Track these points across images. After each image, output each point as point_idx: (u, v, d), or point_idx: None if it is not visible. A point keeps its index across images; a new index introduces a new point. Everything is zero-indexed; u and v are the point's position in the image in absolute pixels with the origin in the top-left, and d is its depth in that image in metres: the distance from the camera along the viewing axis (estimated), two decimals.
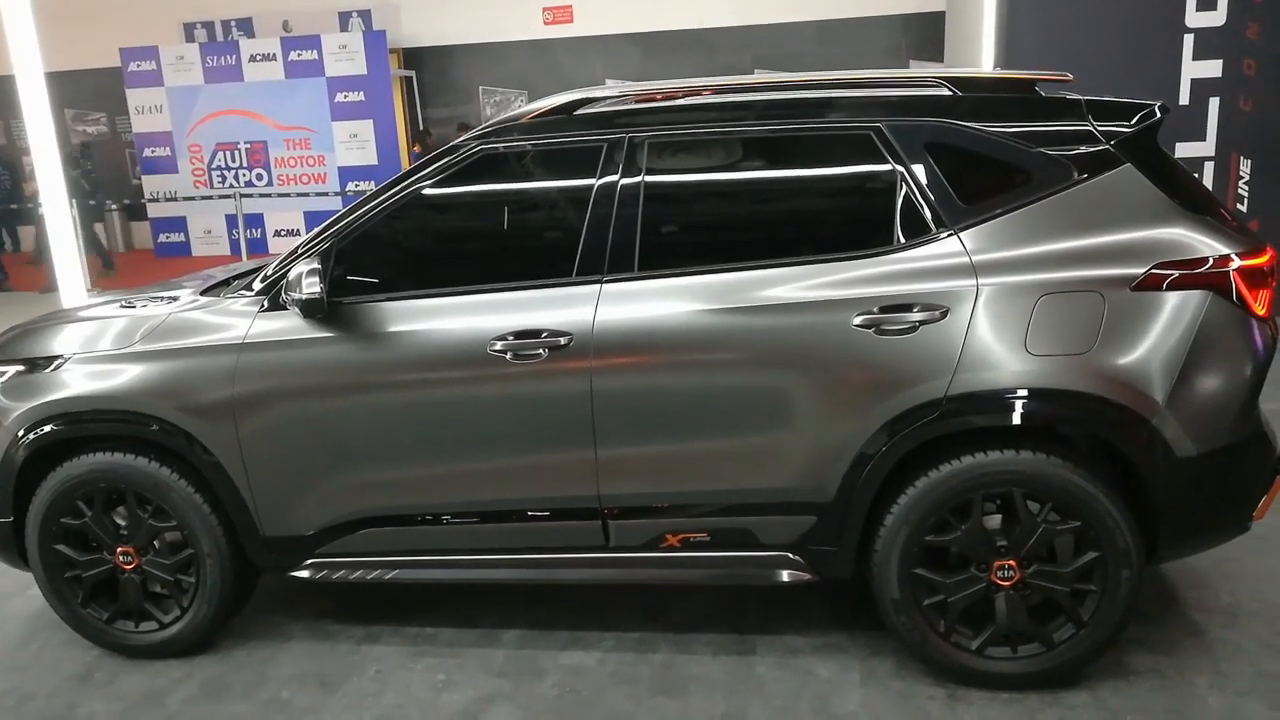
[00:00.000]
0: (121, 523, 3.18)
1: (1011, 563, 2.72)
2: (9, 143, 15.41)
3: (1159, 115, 2.78)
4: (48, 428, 3.09)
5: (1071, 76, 2.99)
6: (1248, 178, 7.08)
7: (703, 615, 3.34)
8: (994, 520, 2.76)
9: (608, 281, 2.84)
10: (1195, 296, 2.59)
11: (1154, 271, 2.59)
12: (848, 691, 2.88)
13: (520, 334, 2.83)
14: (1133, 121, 2.76)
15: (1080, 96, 2.82)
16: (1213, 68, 6.97)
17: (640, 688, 2.96)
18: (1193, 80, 7.01)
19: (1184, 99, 7.02)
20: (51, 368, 3.14)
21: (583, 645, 3.20)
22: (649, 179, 2.90)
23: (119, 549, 3.17)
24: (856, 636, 3.15)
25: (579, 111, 3.01)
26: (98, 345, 3.15)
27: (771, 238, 2.99)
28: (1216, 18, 6.90)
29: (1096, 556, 2.67)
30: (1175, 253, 2.61)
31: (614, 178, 2.90)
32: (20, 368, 3.20)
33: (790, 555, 2.88)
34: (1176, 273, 2.59)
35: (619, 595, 3.47)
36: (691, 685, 2.96)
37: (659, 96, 3.07)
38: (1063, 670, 2.78)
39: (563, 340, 2.80)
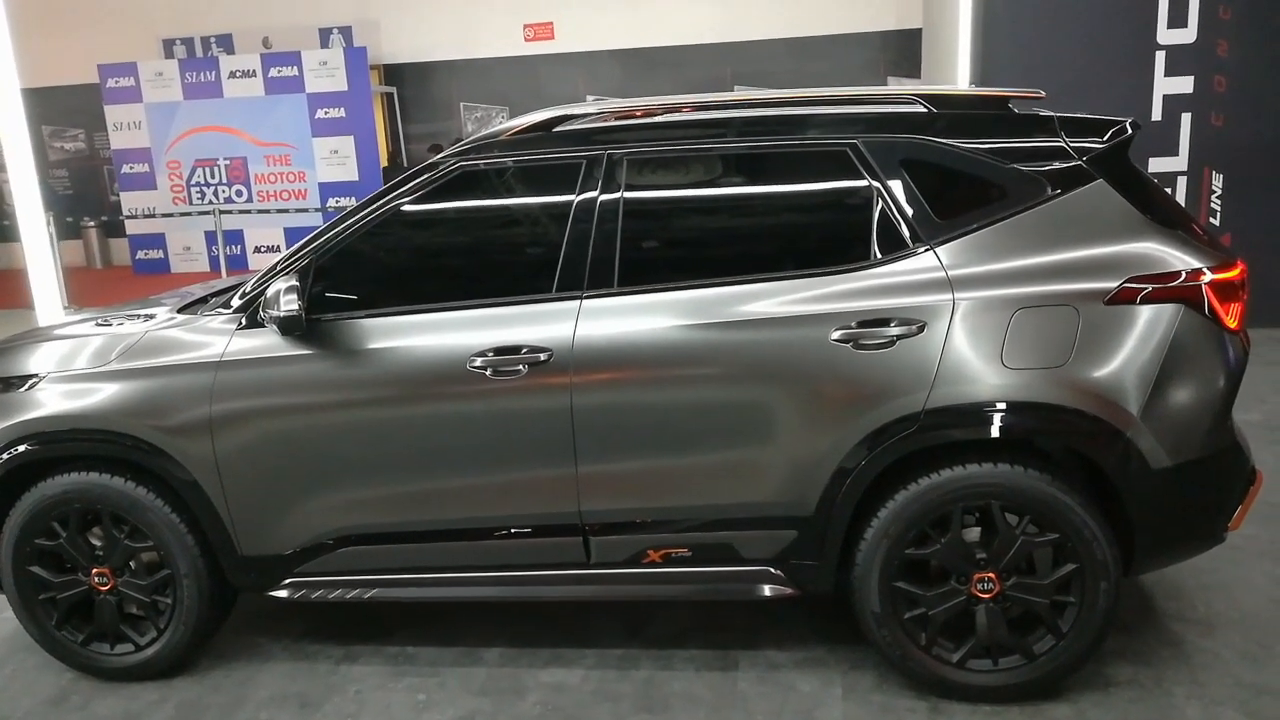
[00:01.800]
0: (97, 543, 3.14)
1: (991, 575, 2.73)
2: None
3: (1131, 131, 2.83)
4: (22, 447, 3.06)
5: (1045, 94, 3.03)
6: (1220, 192, 7.19)
7: (685, 631, 3.34)
8: (973, 533, 2.78)
9: (587, 297, 2.85)
10: (1168, 310, 2.63)
11: (1127, 285, 2.63)
12: (830, 706, 2.88)
13: (500, 350, 2.83)
14: (1105, 137, 2.80)
15: (1053, 113, 2.86)
16: (1184, 84, 7.09)
17: (623, 705, 2.95)
18: (1165, 96, 7.12)
19: (1156, 115, 7.14)
20: (26, 387, 3.11)
21: (564, 663, 3.18)
22: (628, 195, 2.92)
23: (94, 570, 3.13)
24: (838, 650, 3.15)
25: (559, 128, 3.02)
26: (73, 364, 3.12)
27: (750, 253, 3.00)
28: (1187, 35, 7.02)
29: (1075, 568, 2.69)
30: (1148, 267, 2.65)
31: (593, 194, 2.91)
32: None
33: (771, 570, 2.89)
34: (1150, 286, 2.63)
35: (601, 612, 3.46)
36: (674, 702, 2.95)
37: (638, 113, 3.09)
38: (1043, 682, 2.80)
39: (542, 356, 2.80)
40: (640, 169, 2.97)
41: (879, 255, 2.77)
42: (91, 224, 14.61)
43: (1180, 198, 7.17)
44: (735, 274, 2.83)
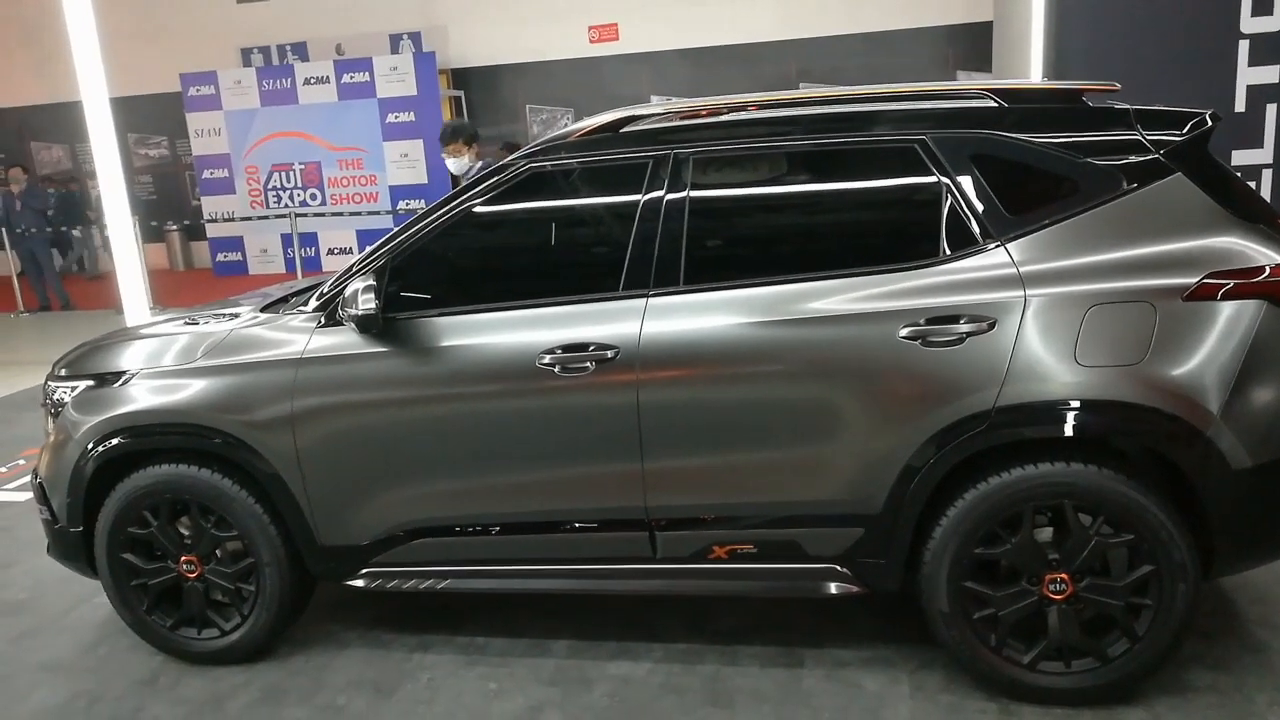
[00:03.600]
0: (185, 532, 3.28)
1: (1063, 576, 2.69)
2: (75, 166, 15.97)
3: (1210, 123, 2.75)
4: (115, 440, 3.21)
5: (1119, 86, 2.97)
6: None
7: (750, 627, 3.35)
8: (1045, 533, 2.74)
9: (653, 295, 2.88)
10: (1250, 306, 2.56)
11: (1207, 281, 2.56)
12: (896, 705, 2.87)
13: (568, 347, 2.88)
14: (1183, 130, 2.73)
15: (1129, 106, 2.80)
16: (1269, 73, 6.82)
17: (689, 699, 2.97)
18: (1248, 87, 6.87)
19: (1240, 106, 6.88)
20: (119, 383, 3.26)
21: (631, 656, 3.23)
22: (694, 194, 2.94)
23: (183, 558, 3.27)
24: (905, 650, 3.13)
25: (624, 129, 3.06)
26: (162, 361, 3.26)
27: (817, 250, 3.01)
28: (1273, 23, 6.76)
29: (1151, 570, 2.64)
30: (1229, 262, 2.58)
31: (659, 193, 2.94)
32: (90, 383, 3.33)
33: (838, 567, 2.88)
34: (1231, 282, 2.56)
35: (666, 606, 3.49)
36: (739, 697, 2.97)
37: (703, 113, 3.11)
38: (1118, 686, 2.74)
39: (609, 353, 2.84)
40: (706, 168, 2.99)
41: (948, 251, 2.74)
42: (174, 228, 15.19)
43: (1265, 192, 6.90)
44: (802, 271, 2.83)
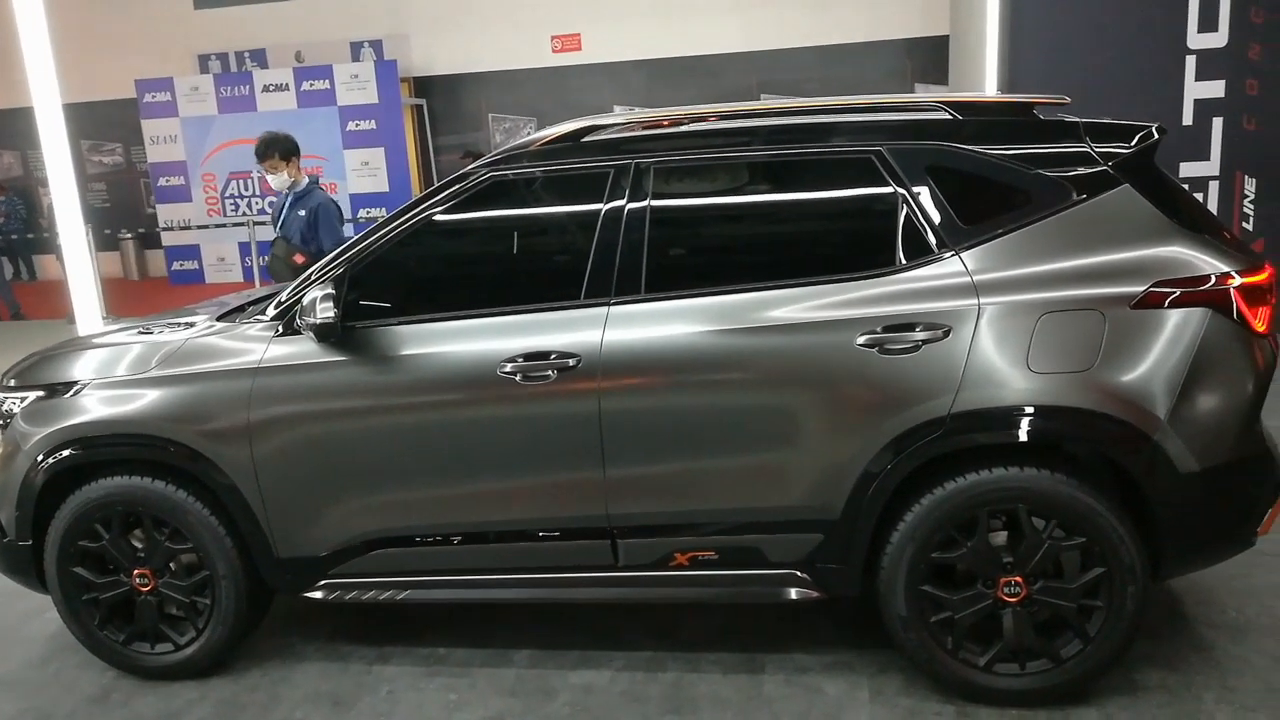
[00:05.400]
0: (138, 545, 3.23)
1: (1018, 579, 2.74)
2: (25, 174, 15.64)
3: (1157, 136, 2.83)
4: (66, 452, 3.15)
5: (1070, 99, 3.04)
6: (1252, 197, 7.11)
7: (712, 634, 3.36)
8: (1000, 537, 2.78)
9: (615, 304, 2.89)
10: (1196, 314, 2.63)
11: (1154, 289, 2.63)
12: (856, 709, 2.90)
13: (530, 356, 2.88)
14: (1131, 143, 2.80)
15: (1078, 119, 2.87)
16: (1215, 88, 7.03)
17: (651, 707, 2.98)
18: (1195, 101, 7.06)
19: (1187, 119, 7.07)
20: (70, 393, 3.20)
21: (593, 664, 3.22)
22: (655, 203, 2.96)
23: (136, 571, 3.21)
24: (864, 654, 3.16)
25: (587, 138, 3.07)
26: (115, 371, 3.21)
27: (776, 259, 3.04)
28: (1218, 39, 6.96)
29: (1102, 572, 2.69)
30: (1175, 271, 2.65)
31: (621, 202, 2.96)
32: (40, 393, 3.26)
33: (798, 573, 2.91)
34: (1177, 290, 2.63)
35: (629, 615, 3.50)
36: (701, 704, 2.98)
37: (665, 123, 3.13)
38: (1071, 686, 2.79)
39: (571, 361, 2.85)
40: (667, 178, 3.02)
41: (904, 261, 2.79)
42: (128, 236, 14.94)
43: (1212, 203, 7.09)
44: (761, 280, 2.86)
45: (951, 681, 2.85)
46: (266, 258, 5.94)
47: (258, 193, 13.63)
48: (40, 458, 3.16)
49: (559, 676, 3.17)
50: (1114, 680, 2.88)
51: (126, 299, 12.41)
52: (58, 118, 7.45)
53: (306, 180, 5.50)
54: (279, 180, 5.42)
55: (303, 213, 5.38)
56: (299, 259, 5.26)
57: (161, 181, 13.95)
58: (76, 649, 3.43)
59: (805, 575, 2.90)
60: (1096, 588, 2.72)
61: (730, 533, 2.92)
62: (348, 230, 6.34)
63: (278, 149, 5.36)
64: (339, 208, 5.63)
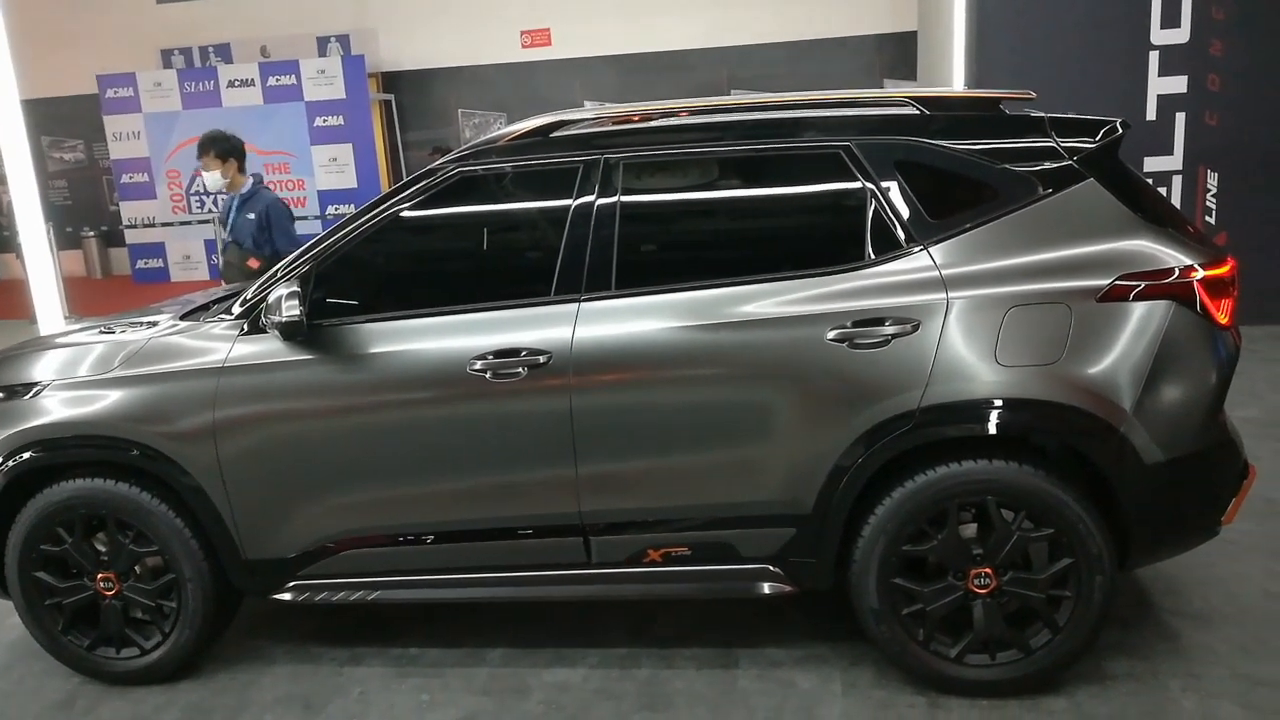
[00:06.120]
0: (102, 549, 3.17)
1: (988, 570, 2.76)
2: None
3: (1121, 131, 2.86)
4: (27, 455, 3.08)
5: (1036, 95, 3.07)
6: (1215, 191, 7.23)
7: (686, 630, 3.36)
8: (970, 529, 2.80)
9: (585, 300, 2.88)
10: (1160, 306, 2.66)
11: (1119, 283, 2.66)
12: (830, 702, 2.91)
13: (500, 353, 2.86)
14: (1095, 137, 2.83)
15: (1043, 114, 2.89)
16: (1178, 83, 7.13)
17: (625, 704, 2.97)
18: (1159, 96, 7.16)
19: (1150, 114, 7.17)
20: (30, 394, 3.14)
21: (567, 662, 3.21)
22: (625, 199, 2.95)
23: (99, 575, 3.16)
24: (837, 647, 3.18)
25: (556, 133, 3.05)
26: (77, 371, 3.15)
27: (746, 255, 3.04)
28: (1180, 35, 7.06)
29: (1070, 563, 2.72)
30: (1139, 264, 2.68)
31: (590, 198, 2.94)
32: None
33: (770, 567, 2.91)
34: (1141, 283, 2.66)
35: (602, 612, 3.49)
36: (676, 700, 2.97)
37: (635, 118, 3.12)
38: (1041, 676, 2.82)
39: (542, 359, 2.83)
40: (637, 173, 3.01)
41: (873, 256, 2.80)
42: (91, 234, 14.68)
43: (1175, 197, 7.20)
44: (731, 275, 2.86)
45: (924, 673, 2.87)
46: (220, 261, 5.82)
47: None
48: (0, 460, 3.09)
49: (533, 675, 3.15)
50: (1083, 669, 2.92)
51: (89, 298, 12.19)
52: (17, 114, 7.32)
53: (250, 181, 5.35)
54: (213, 180, 5.28)
55: (251, 216, 5.25)
56: (253, 264, 5.15)
57: (125, 178, 13.71)
58: (40, 655, 3.36)
59: (778, 570, 2.91)
60: (1065, 578, 2.74)
61: (703, 528, 2.92)
62: (315, 227, 6.23)
63: (214, 147, 5.21)
64: (288, 207, 5.53)
